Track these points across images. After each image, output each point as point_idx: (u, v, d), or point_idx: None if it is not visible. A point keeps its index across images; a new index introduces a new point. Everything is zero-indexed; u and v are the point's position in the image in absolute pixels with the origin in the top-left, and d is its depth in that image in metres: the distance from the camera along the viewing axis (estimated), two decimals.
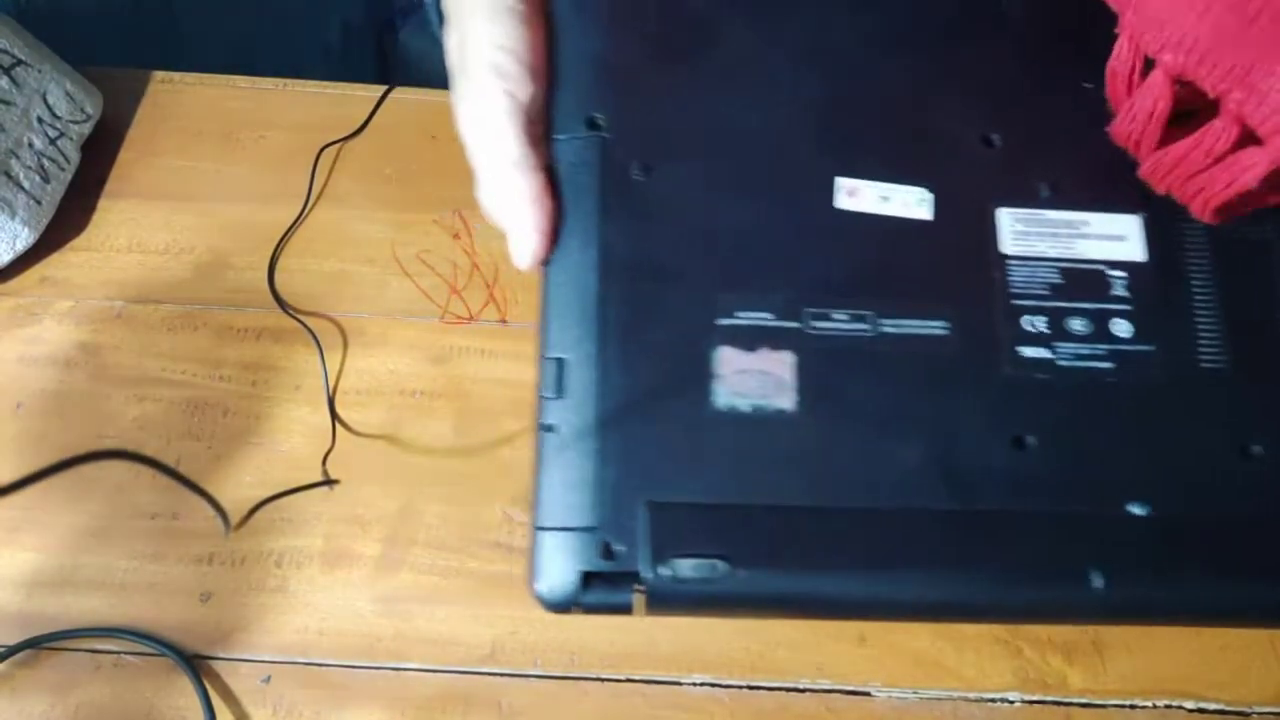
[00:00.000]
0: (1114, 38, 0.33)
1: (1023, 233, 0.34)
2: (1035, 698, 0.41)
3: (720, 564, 0.30)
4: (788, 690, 0.42)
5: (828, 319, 0.33)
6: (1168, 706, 0.40)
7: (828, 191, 0.34)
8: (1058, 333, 0.34)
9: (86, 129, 0.54)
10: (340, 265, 0.52)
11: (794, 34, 0.36)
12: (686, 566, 0.30)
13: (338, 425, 0.47)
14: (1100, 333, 0.34)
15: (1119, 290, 0.34)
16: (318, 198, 0.54)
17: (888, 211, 0.34)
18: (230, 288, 0.51)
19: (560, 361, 0.32)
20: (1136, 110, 0.33)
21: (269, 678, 0.43)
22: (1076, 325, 0.34)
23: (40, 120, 0.51)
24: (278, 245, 0.52)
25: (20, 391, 0.49)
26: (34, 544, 0.46)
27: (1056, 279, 0.34)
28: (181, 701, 0.42)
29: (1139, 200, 0.34)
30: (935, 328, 0.33)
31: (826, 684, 0.42)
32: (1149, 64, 0.31)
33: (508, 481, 0.46)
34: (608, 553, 0.30)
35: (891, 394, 0.33)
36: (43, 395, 0.49)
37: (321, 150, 0.54)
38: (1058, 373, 0.33)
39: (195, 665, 0.43)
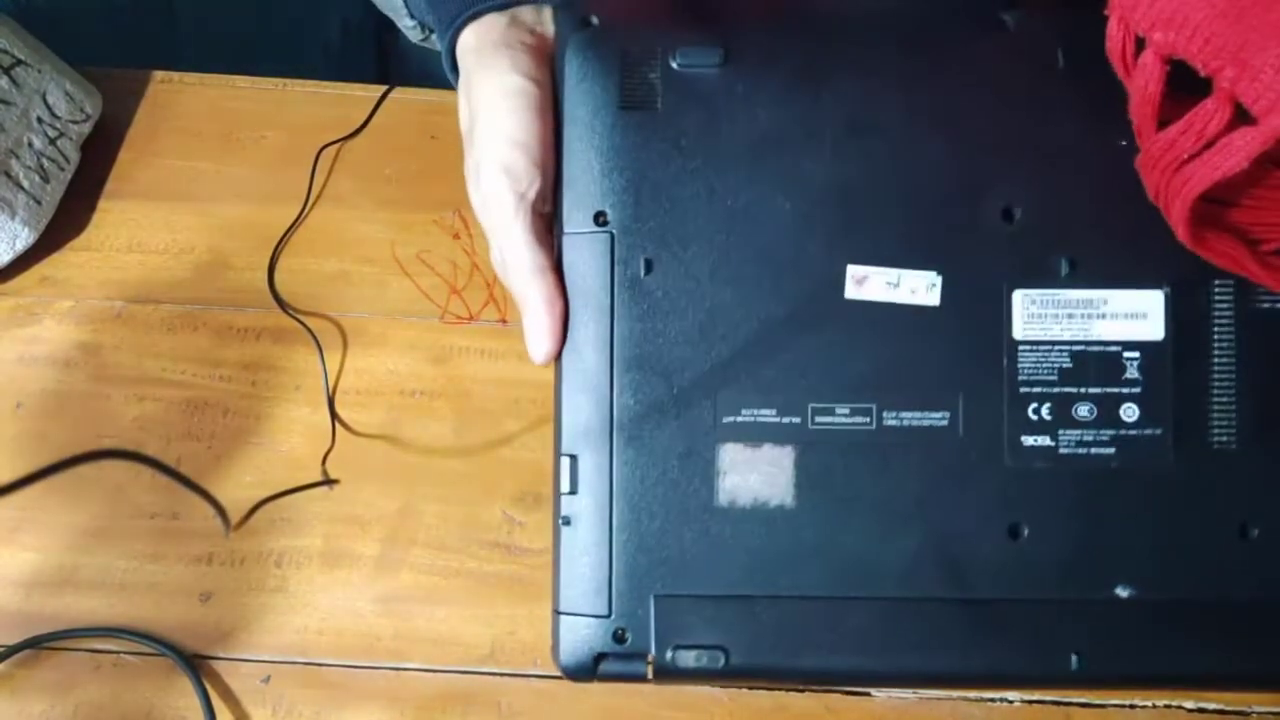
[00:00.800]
0: None
1: (1037, 315, 0.33)
2: (1035, 698, 0.41)
3: (719, 654, 0.32)
4: (787, 690, 0.42)
5: (830, 414, 0.34)
6: (1167, 706, 0.40)
7: (836, 282, 0.34)
8: (1062, 420, 0.33)
9: (86, 129, 0.54)
10: (340, 265, 0.52)
11: (801, 118, 0.34)
12: (689, 657, 0.32)
13: (338, 425, 0.47)
14: (1107, 418, 0.33)
15: (1131, 373, 0.33)
16: (317, 198, 0.54)
17: (895, 299, 0.34)
18: (230, 288, 0.51)
19: (574, 458, 0.34)
20: (1133, 94, 0.31)
21: (269, 678, 0.43)
22: (1083, 412, 0.33)
23: (40, 120, 0.51)
24: (278, 245, 0.52)
25: (20, 391, 0.49)
26: (34, 544, 0.46)
27: (1067, 363, 0.33)
28: (181, 701, 0.42)
29: (1164, 273, 0.33)
30: (936, 419, 0.33)
31: (826, 684, 0.41)
32: (1141, 45, 0.30)
33: (508, 481, 0.46)
34: (619, 637, 0.33)
35: (889, 487, 0.33)
36: (43, 395, 0.49)
37: (321, 150, 0.54)
38: (1058, 460, 0.33)
39: (195, 665, 0.43)
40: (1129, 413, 0.33)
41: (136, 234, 0.53)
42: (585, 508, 0.34)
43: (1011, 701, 0.41)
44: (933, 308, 0.33)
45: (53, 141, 0.52)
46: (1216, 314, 0.33)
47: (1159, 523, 0.33)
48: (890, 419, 0.33)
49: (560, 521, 0.34)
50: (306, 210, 0.53)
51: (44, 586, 0.45)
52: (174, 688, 0.43)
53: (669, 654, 0.33)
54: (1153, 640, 0.32)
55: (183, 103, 0.57)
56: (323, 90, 0.57)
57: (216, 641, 0.44)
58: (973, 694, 0.41)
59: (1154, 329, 0.33)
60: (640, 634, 0.33)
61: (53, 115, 0.52)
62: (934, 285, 0.33)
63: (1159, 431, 0.33)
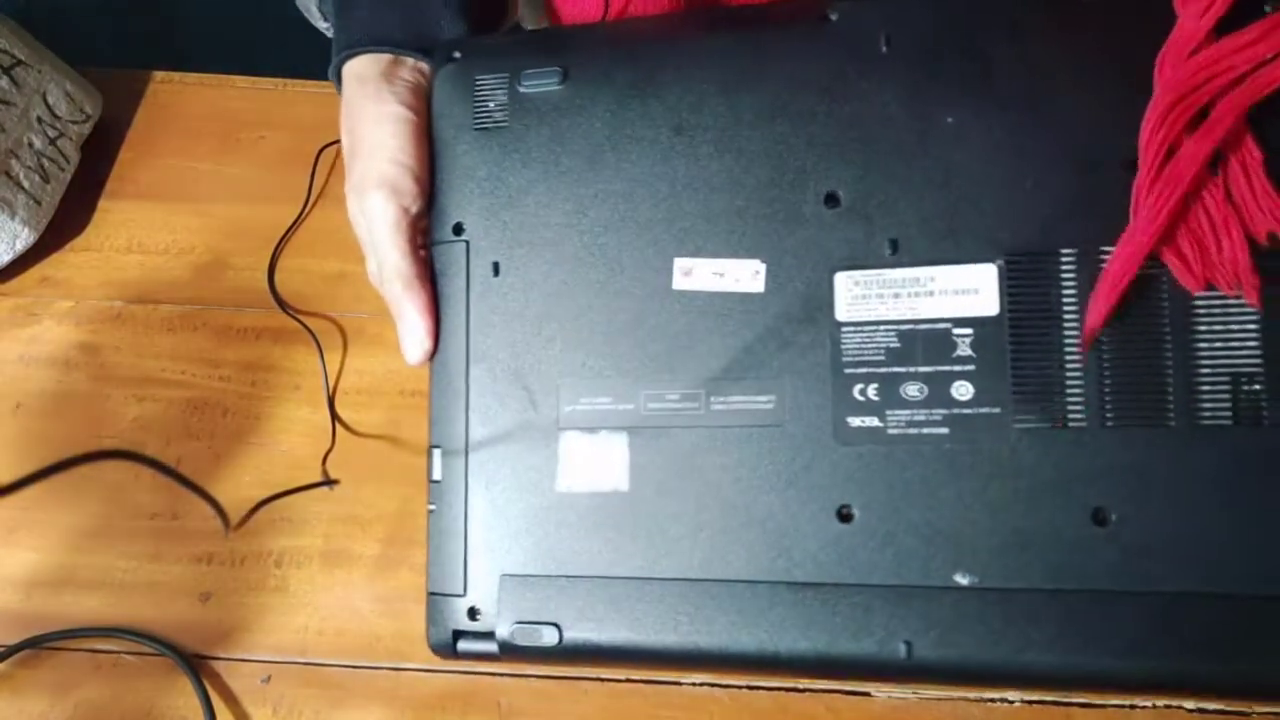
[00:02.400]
0: (975, 67, 0.33)
1: (861, 296, 0.33)
2: (1035, 698, 0.41)
3: (554, 630, 0.34)
4: (786, 690, 0.42)
5: (661, 400, 0.35)
6: (1167, 706, 0.40)
7: (665, 274, 0.35)
8: (890, 400, 0.33)
9: (86, 129, 0.54)
10: (340, 265, 0.52)
11: (632, 125, 0.36)
12: (525, 633, 0.35)
13: (337, 425, 0.47)
14: (937, 396, 0.32)
15: (963, 350, 0.33)
16: (318, 198, 0.54)
17: (722, 288, 0.35)
18: (230, 288, 0.51)
19: (438, 450, 0.37)
20: (1188, 9, 0.30)
21: (269, 678, 0.43)
22: (911, 391, 0.33)
23: (40, 120, 0.51)
24: (278, 245, 0.52)
25: (20, 391, 0.49)
26: (34, 544, 0.46)
27: (895, 343, 0.33)
28: (181, 701, 0.42)
29: (996, 247, 0.32)
30: (762, 403, 0.34)
31: (826, 684, 0.41)
32: None
33: None
34: (473, 615, 0.36)
35: (718, 471, 0.34)
36: (43, 395, 0.49)
37: (321, 150, 0.54)
38: (888, 441, 0.33)
39: (195, 665, 0.43)
40: (962, 390, 0.32)
41: (136, 234, 0.53)
42: (447, 495, 0.36)
43: (1011, 702, 0.41)
44: (758, 294, 0.34)
45: (53, 141, 0.52)
46: (1063, 284, 0.32)
47: (1002, 507, 0.31)
48: (718, 403, 0.34)
49: (429, 511, 0.37)
50: (306, 210, 0.53)
51: (44, 586, 0.45)
52: (174, 688, 0.43)
53: (509, 630, 0.35)
54: (994, 631, 0.31)
55: (183, 103, 0.57)
56: (323, 90, 0.57)
57: (216, 641, 0.44)
58: (973, 694, 0.41)
59: (987, 304, 0.33)
60: (490, 612, 0.35)
61: (53, 115, 0.52)
62: (758, 273, 0.34)
63: (996, 410, 0.32)
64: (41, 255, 0.52)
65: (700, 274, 0.35)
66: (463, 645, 0.36)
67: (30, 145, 0.51)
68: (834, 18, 0.35)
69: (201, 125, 0.56)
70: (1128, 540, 0.31)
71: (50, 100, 0.52)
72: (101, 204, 0.54)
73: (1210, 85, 0.30)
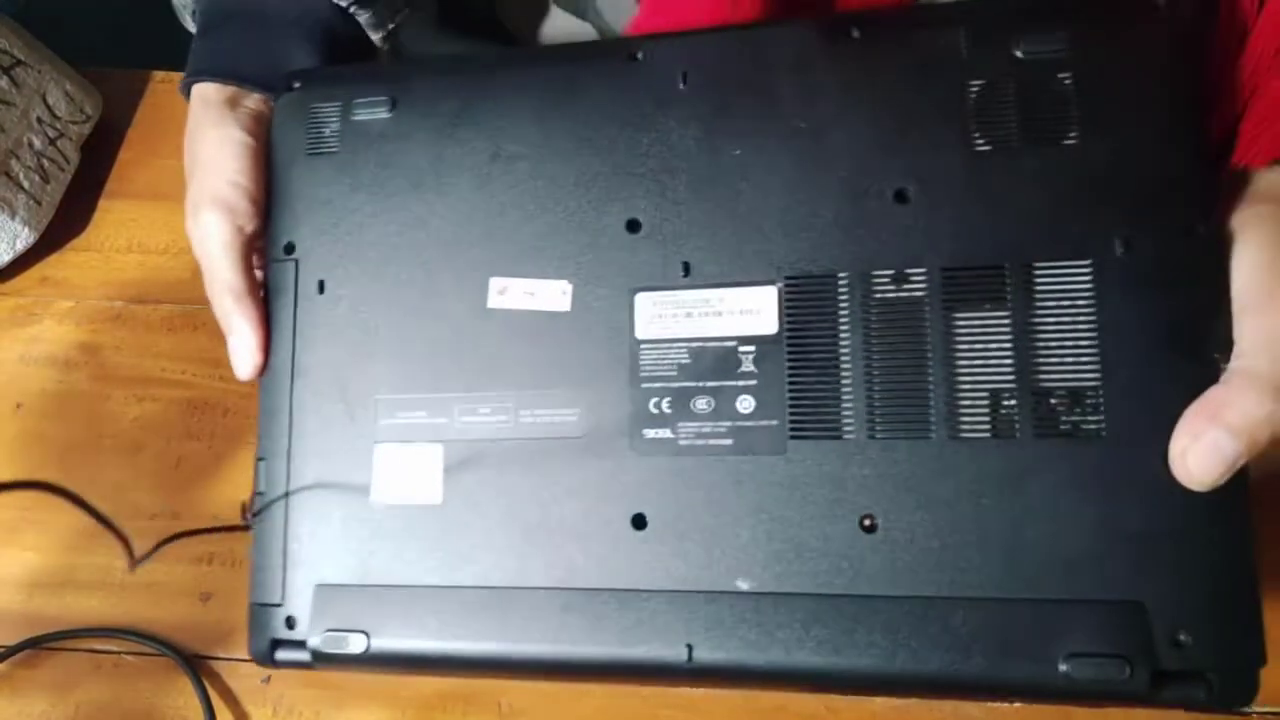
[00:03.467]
0: (762, 102, 0.35)
1: (658, 315, 0.35)
2: None
3: (362, 636, 0.35)
4: (787, 690, 0.41)
5: (474, 414, 0.36)
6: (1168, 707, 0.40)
7: (481, 293, 0.37)
8: (681, 413, 0.35)
9: (86, 129, 0.54)
10: None
11: (453, 153, 0.38)
12: (334, 639, 0.35)
13: None
14: (723, 410, 0.34)
15: (747, 366, 0.34)
16: None
17: (533, 306, 0.36)
18: None
19: (263, 463, 0.38)
20: None
21: (269, 678, 0.43)
22: (700, 405, 0.35)
23: (40, 120, 0.51)
24: None
25: (20, 391, 0.49)
26: (34, 544, 0.46)
27: (685, 359, 0.35)
28: (181, 701, 0.42)
29: (776, 270, 0.35)
30: (567, 415, 0.35)
31: None
32: None
33: None
34: (289, 624, 0.36)
35: (525, 482, 0.35)
36: (43, 395, 0.49)
37: None
38: (679, 451, 0.34)
39: (195, 665, 0.43)
40: (745, 404, 0.34)
41: (136, 234, 0.53)
42: (269, 506, 0.37)
43: (1012, 702, 0.41)
44: (565, 313, 0.36)
45: (53, 142, 0.52)
46: (840, 304, 0.34)
47: (777, 515, 0.33)
48: (526, 416, 0.36)
49: (255, 521, 0.38)
50: None
51: (44, 586, 0.45)
52: (174, 688, 0.43)
53: (320, 639, 0.36)
54: (769, 634, 0.33)
55: (183, 103, 0.57)
56: None
57: (216, 641, 0.44)
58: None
59: (767, 323, 0.34)
60: (305, 622, 0.36)
61: (53, 115, 0.52)
62: (565, 292, 0.36)
63: (775, 423, 0.34)
64: (41, 255, 0.52)
65: (513, 293, 0.36)
66: (280, 654, 0.36)
67: (30, 145, 0.51)
68: (640, 57, 0.37)
69: None
70: (893, 547, 0.32)
71: (50, 100, 0.52)
72: (101, 204, 0.54)
73: None
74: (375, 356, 0.37)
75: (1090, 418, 0.32)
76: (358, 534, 0.36)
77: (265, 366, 0.38)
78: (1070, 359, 0.32)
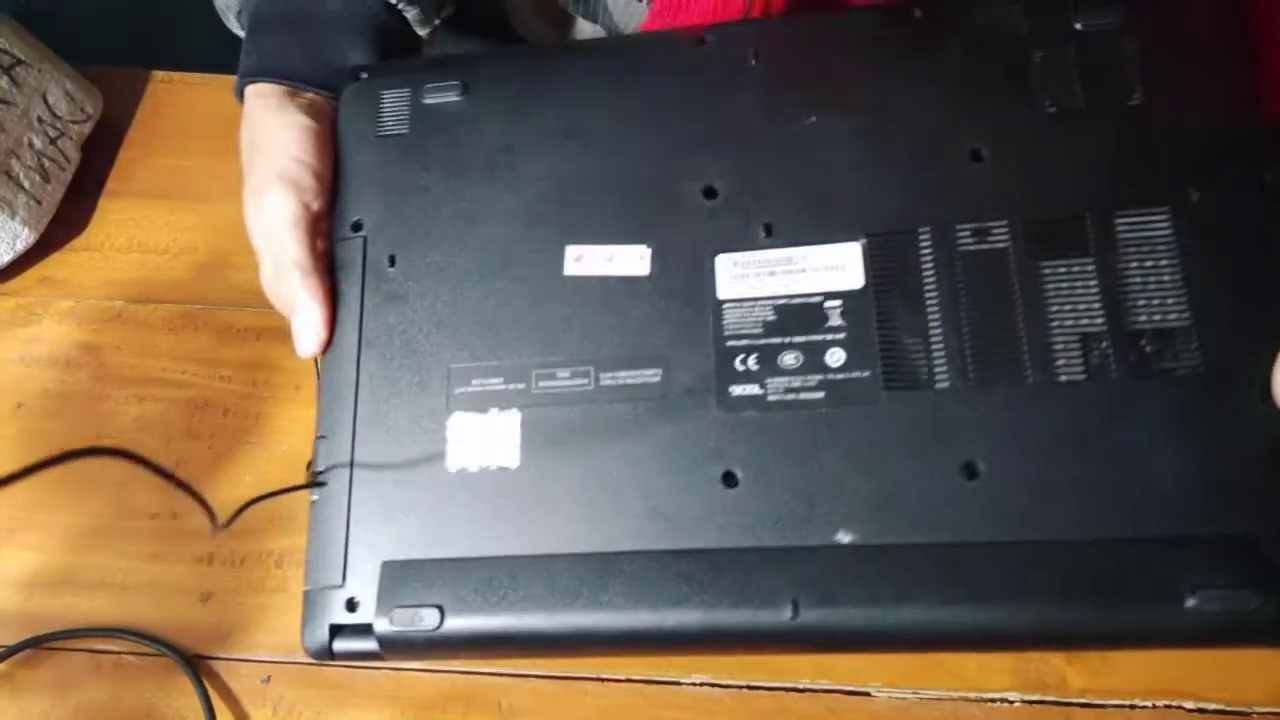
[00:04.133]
0: (831, 75, 0.37)
1: (740, 275, 0.36)
2: (1035, 698, 0.41)
3: (435, 612, 0.33)
4: (787, 690, 0.42)
5: (552, 378, 0.36)
6: (1168, 706, 0.40)
7: (556, 262, 0.37)
8: (768, 369, 0.34)
9: (86, 129, 0.54)
10: None
11: (525, 131, 0.39)
12: (405, 616, 0.33)
13: None
14: (812, 363, 0.34)
15: (834, 320, 0.34)
16: None
17: (610, 272, 0.36)
18: (230, 288, 0.51)
19: (324, 440, 0.36)
20: None
21: (269, 678, 0.43)
22: (788, 360, 0.34)
23: (40, 120, 0.51)
24: None
25: (20, 391, 0.49)
26: (34, 544, 0.46)
27: (770, 316, 0.35)
28: (181, 701, 0.42)
29: (858, 228, 0.35)
30: (649, 376, 0.35)
31: (826, 684, 0.41)
32: None
33: None
34: (351, 606, 0.34)
35: (608, 444, 0.35)
36: (43, 395, 0.49)
37: None
38: (768, 407, 0.34)
39: (195, 665, 0.43)
40: (834, 357, 0.34)
41: (136, 234, 0.53)
42: (331, 485, 0.36)
43: (1012, 702, 0.41)
44: (643, 277, 0.36)
45: (53, 141, 0.52)
46: (924, 258, 0.34)
47: (875, 466, 0.33)
48: (607, 379, 0.35)
49: (311, 503, 0.36)
50: None
51: (44, 586, 0.45)
52: (174, 688, 0.43)
53: (389, 617, 0.33)
54: (876, 586, 0.32)
55: (183, 103, 0.57)
56: None
57: (216, 641, 0.44)
58: (973, 693, 0.41)
59: (853, 278, 0.35)
60: (369, 604, 0.34)
61: (53, 115, 0.52)
62: (643, 257, 0.36)
63: (867, 374, 0.34)
64: (41, 255, 0.52)
65: (590, 260, 0.36)
66: (339, 644, 0.34)
67: (30, 145, 0.51)
68: (708, 40, 0.38)
69: (201, 125, 0.56)
70: (997, 492, 0.32)
71: (50, 100, 0.52)
72: (101, 204, 0.54)
73: None
74: (448, 327, 0.37)
75: (1185, 357, 0.32)
76: (430, 506, 0.35)
77: (329, 343, 0.38)
78: (1159, 302, 0.32)
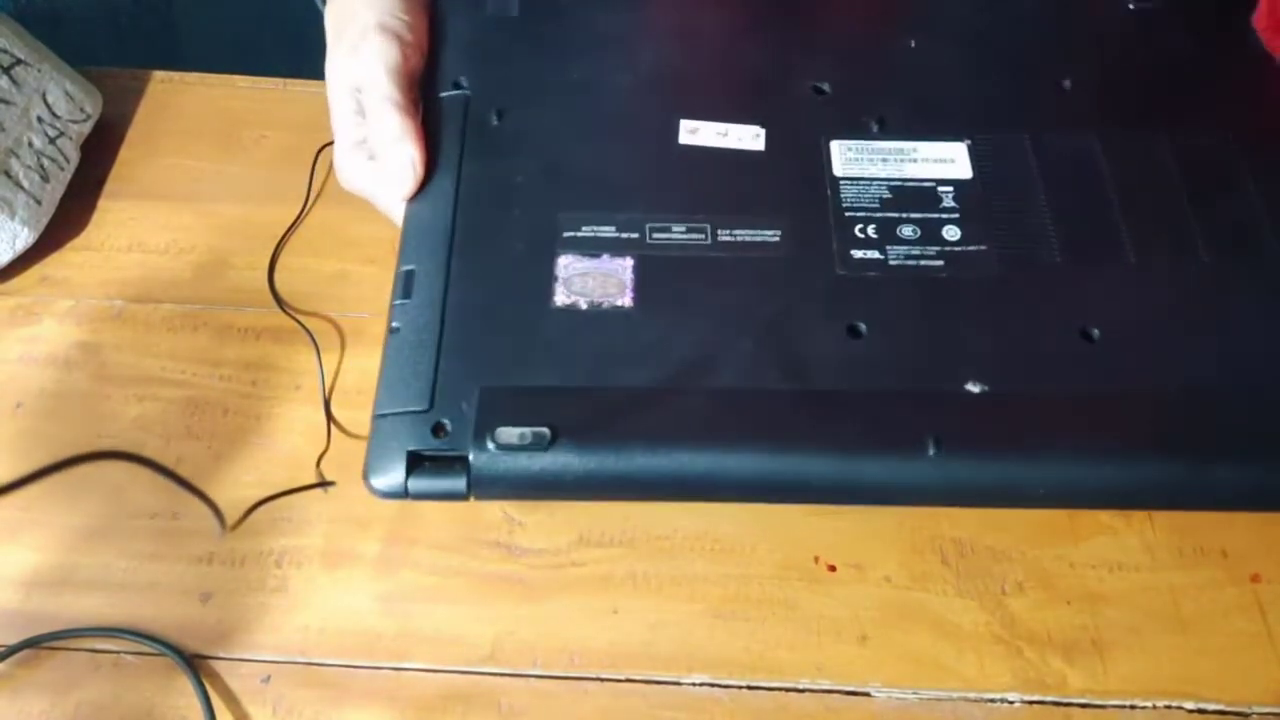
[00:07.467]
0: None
1: (854, 159, 0.38)
2: (1035, 698, 0.41)
3: (543, 431, 0.29)
4: (787, 690, 0.42)
5: (667, 231, 0.36)
6: (1168, 707, 0.40)
7: (670, 131, 0.38)
8: (888, 237, 0.36)
9: (86, 128, 0.54)
10: (340, 265, 0.52)
11: (639, 20, 0.40)
12: (510, 434, 0.29)
13: (337, 426, 0.47)
14: (930, 237, 0.36)
15: (948, 202, 0.37)
16: (317, 197, 0.54)
17: (726, 145, 0.38)
18: (230, 288, 0.51)
19: (410, 273, 0.35)
20: None
21: (269, 678, 0.43)
22: (907, 231, 0.36)
23: (40, 120, 0.51)
24: (278, 245, 0.52)
25: (20, 391, 0.49)
26: (34, 544, 0.46)
27: (887, 195, 0.37)
28: (181, 701, 0.42)
29: (964, 129, 0.39)
30: (769, 235, 0.36)
31: (826, 684, 0.42)
32: None
33: None
34: (438, 431, 0.30)
35: (726, 293, 0.35)
36: (43, 395, 0.49)
37: (321, 150, 0.54)
38: (889, 270, 0.35)
39: (195, 665, 0.43)
40: (951, 233, 0.36)
41: (136, 234, 0.53)
42: (417, 312, 0.34)
43: (1012, 702, 0.41)
44: (759, 152, 0.38)
45: (53, 141, 0.52)
46: (1014, 157, 0.38)
47: (1000, 326, 0.35)
48: (725, 235, 0.36)
49: (390, 332, 0.34)
50: (306, 210, 0.53)
51: (44, 586, 0.45)
52: (174, 688, 0.42)
53: (489, 439, 0.30)
54: (1013, 432, 0.32)
55: (183, 103, 0.57)
56: (323, 90, 0.57)
57: (216, 641, 0.43)
58: (973, 693, 0.41)
59: (962, 170, 0.38)
60: (462, 430, 0.31)
61: (53, 115, 0.52)
62: (759, 135, 0.38)
63: (983, 248, 0.36)
64: (41, 255, 0.52)
65: (705, 133, 0.38)
66: (416, 480, 0.30)
67: (30, 145, 0.51)
68: None
69: (201, 125, 0.56)
70: (1115, 353, 0.34)
71: (50, 100, 0.52)
72: (101, 203, 0.54)
73: None
74: (558, 179, 0.37)
75: (1268, 236, 0.36)
76: (533, 339, 0.33)
77: (423, 184, 0.37)
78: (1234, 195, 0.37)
